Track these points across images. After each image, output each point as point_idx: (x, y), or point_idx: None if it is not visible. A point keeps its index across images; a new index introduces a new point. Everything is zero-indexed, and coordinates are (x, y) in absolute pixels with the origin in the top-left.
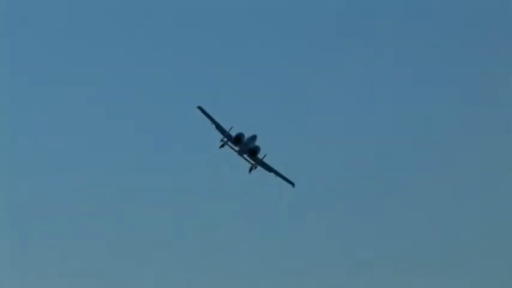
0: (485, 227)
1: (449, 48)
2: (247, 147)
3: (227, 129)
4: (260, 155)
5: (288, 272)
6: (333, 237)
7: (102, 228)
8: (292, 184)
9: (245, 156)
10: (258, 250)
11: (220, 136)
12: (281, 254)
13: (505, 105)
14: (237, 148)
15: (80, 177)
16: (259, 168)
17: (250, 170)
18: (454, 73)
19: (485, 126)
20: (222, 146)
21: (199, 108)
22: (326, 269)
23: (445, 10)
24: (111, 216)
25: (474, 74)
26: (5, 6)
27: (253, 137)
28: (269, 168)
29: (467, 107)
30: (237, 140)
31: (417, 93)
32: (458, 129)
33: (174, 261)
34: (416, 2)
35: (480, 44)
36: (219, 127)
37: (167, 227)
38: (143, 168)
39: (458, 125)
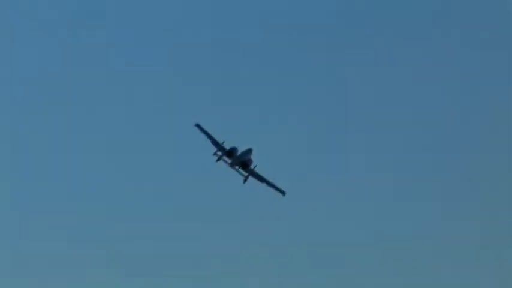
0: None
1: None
2: (239, 159)
3: (221, 143)
4: (252, 167)
5: (281, 278)
6: (325, 243)
7: (99, 236)
8: (283, 193)
9: (237, 168)
10: (251, 256)
11: (214, 149)
12: (273, 261)
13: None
14: (229, 161)
15: (78, 188)
16: (252, 178)
17: (245, 180)
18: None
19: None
20: (218, 159)
21: (197, 125)
22: (318, 276)
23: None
24: (107, 225)
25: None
26: None
27: (249, 151)
28: (261, 179)
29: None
30: (230, 153)
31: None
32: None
33: (170, 269)
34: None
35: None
36: (214, 142)
37: (165, 235)
38: (140, 179)
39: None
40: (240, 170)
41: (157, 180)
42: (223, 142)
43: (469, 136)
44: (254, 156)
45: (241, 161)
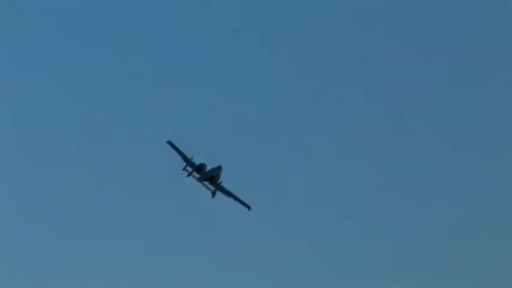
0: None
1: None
2: (207, 175)
3: (190, 159)
4: (218, 180)
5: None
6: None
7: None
8: (248, 207)
9: (205, 183)
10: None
11: (184, 164)
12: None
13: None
14: (197, 176)
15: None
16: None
17: (213, 195)
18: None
19: None
20: (189, 175)
21: (169, 142)
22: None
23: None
24: (78, 239)
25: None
26: None
27: (218, 168)
28: (228, 193)
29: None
30: (199, 169)
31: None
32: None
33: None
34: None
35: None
36: (185, 159)
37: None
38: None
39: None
40: (207, 184)
41: (125, 194)
42: (192, 158)
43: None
44: (224, 173)
45: (209, 176)
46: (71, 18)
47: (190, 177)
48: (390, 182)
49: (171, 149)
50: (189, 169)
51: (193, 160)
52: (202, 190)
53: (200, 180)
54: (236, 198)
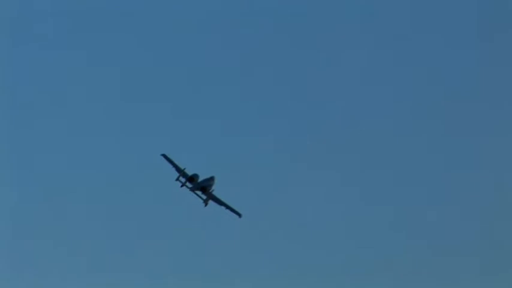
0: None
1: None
2: (199, 185)
3: (183, 170)
4: (211, 190)
5: None
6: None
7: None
8: (239, 215)
9: (197, 192)
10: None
11: (177, 174)
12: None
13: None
14: (190, 185)
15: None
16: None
17: (206, 204)
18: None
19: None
20: (182, 185)
21: (164, 155)
22: None
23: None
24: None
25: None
26: None
27: (210, 178)
28: (219, 202)
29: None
30: (191, 179)
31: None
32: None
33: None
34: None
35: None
36: (179, 170)
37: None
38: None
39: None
40: (200, 194)
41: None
42: (185, 168)
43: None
44: (217, 183)
45: (201, 186)
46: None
47: (184, 188)
48: (389, 189)
49: (166, 162)
50: (182, 179)
51: (185, 171)
52: (195, 199)
53: (192, 189)
54: (227, 207)
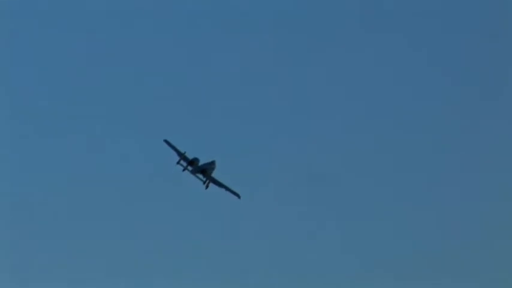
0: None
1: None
2: (200, 168)
3: (184, 154)
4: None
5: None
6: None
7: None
8: (238, 196)
9: (198, 175)
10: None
11: (177, 158)
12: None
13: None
14: (190, 168)
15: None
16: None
17: (206, 186)
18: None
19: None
20: (184, 169)
21: (166, 141)
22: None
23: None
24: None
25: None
26: None
27: (212, 162)
28: (219, 184)
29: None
30: (192, 163)
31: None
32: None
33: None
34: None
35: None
36: (179, 154)
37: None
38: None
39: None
40: (200, 176)
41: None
42: (185, 152)
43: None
44: (218, 167)
45: (201, 169)
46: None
47: (187, 171)
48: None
49: (168, 147)
50: (183, 163)
51: (186, 155)
52: (196, 181)
53: (193, 172)
54: (227, 188)
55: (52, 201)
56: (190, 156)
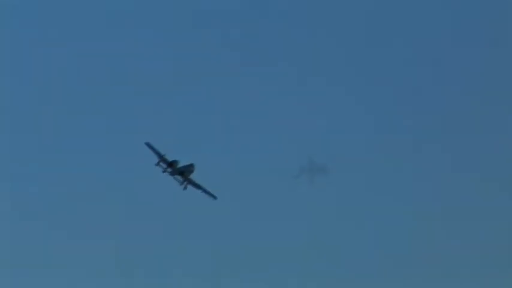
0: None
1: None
2: (179, 170)
3: (163, 157)
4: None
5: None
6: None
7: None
8: (215, 197)
9: (176, 176)
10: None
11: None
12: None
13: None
14: (170, 170)
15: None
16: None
17: (185, 187)
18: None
19: None
20: (164, 171)
21: (147, 144)
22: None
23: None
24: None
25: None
26: None
27: (190, 165)
28: (197, 186)
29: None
30: (171, 164)
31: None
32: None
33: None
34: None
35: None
36: (160, 156)
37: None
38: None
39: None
40: (178, 178)
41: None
42: (165, 154)
43: None
44: (197, 170)
45: (179, 171)
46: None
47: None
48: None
49: (150, 149)
50: (163, 165)
51: (166, 157)
52: (175, 182)
53: (172, 174)
54: (204, 190)
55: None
56: (170, 159)
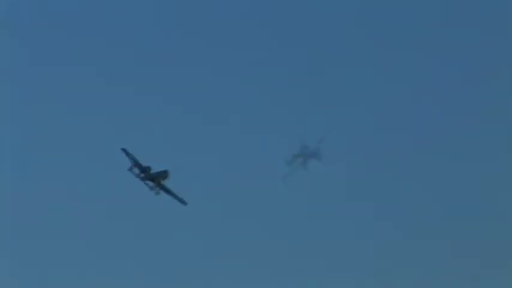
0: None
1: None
2: (151, 176)
3: (138, 162)
4: (162, 182)
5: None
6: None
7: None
8: (184, 203)
9: (148, 182)
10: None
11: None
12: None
13: None
14: (142, 175)
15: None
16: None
17: (156, 193)
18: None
19: None
20: (137, 176)
21: (123, 150)
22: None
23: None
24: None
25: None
26: None
27: (164, 171)
28: (168, 192)
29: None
30: (144, 170)
31: None
32: None
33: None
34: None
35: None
36: (135, 162)
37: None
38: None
39: None
40: (149, 183)
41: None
42: (138, 161)
43: None
44: (172, 177)
45: (152, 177)
46: None
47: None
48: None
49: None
50: (136, 170)
51: (140, 163)
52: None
53: (144, 179)
54: (175, 196)
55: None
56: (144, 164)
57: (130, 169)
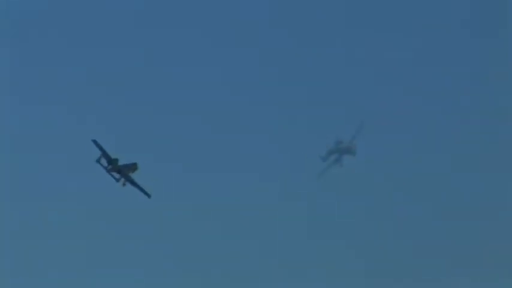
0: None
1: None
2: (117, 168)
3: (106, 154)
4: (128, 173)
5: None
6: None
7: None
8: (149, 196)
9: (114, 173)
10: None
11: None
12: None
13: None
14: (109, 167)
15: None
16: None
17: (123, 184)
18: None
19: None
20: (105, 168)
21: (94, 141)
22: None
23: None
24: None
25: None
26: None
27: (132, 164)
28: (134, 184)
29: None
30: (111, 162)
31: None
32: None
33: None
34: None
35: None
36: (103, 154)
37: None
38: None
39: None
40: (116, 175)
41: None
42: (106, 153)
43: None
44: (140, 170)
45: (118, 169)
46: None
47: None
48: None
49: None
50: (103, 162)
51: (108, 154)
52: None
53: (110, 171)
54: (140, 188)
55: None
56: (112, 156)
57: (98, 160)
